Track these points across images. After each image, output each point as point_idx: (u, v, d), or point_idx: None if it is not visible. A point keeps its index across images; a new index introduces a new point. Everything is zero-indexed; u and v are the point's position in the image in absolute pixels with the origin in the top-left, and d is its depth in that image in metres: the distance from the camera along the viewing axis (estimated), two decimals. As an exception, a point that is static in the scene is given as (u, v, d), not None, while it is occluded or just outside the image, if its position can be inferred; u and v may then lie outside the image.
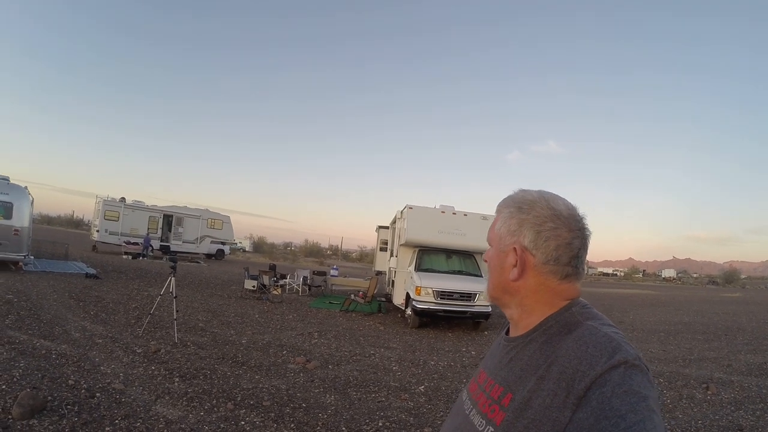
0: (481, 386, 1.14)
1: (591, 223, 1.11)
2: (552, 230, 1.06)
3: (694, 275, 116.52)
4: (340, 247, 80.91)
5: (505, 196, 1.20)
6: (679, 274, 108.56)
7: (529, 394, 0.96)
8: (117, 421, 4.61)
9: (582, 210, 1.12)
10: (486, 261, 1.21)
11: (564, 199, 1.13)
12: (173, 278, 8.79)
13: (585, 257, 1.10)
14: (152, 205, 33.40)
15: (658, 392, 1.41)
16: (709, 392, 7.45)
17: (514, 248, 1.09)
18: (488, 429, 1.01)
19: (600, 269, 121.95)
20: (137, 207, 31.89)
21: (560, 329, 1.03)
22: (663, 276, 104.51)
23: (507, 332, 1.20)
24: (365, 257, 63.96)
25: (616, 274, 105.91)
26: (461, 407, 1.18)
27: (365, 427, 5.17)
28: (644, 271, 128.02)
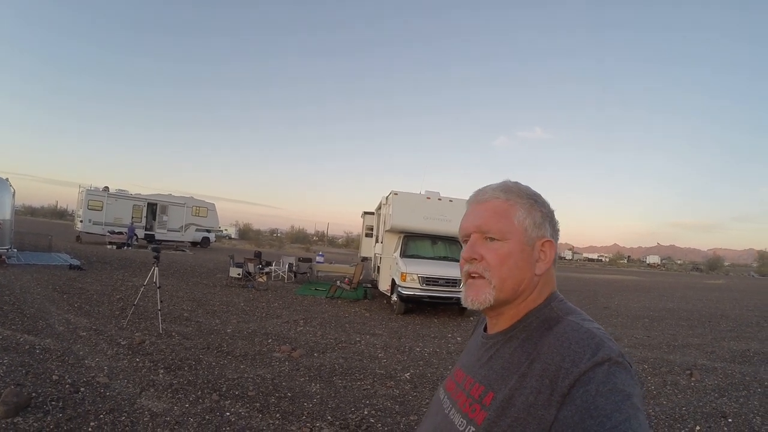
0: (459, 385, 1.13)
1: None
2: (557, 223, 1.13)
3: (678, 262, 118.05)
4: (326, 233, 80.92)
5: (509, 185, 1.14)
6: (664, 261, 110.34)
7: (511, 392, 0.95)
8: (102, 416, 4.62)
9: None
10: (474, 258, 1.09)
11: None
12: (156, 268, 8.74)
13: None
14: (136, 194, 33.17)
15: (642, 389, 1.45)
16: (692, 379, 7.55)
17: (547, 242, 1.10)
18: (469, 428, 1.00)
19: (585, 255, 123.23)
20: (121, 196, 31.62)
21: (540, 325, 1.03)
22: (648, 262, 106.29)
23: (485, 329, 1.19)
24: (351, 243, 64.04)
25: (601, 260, 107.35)
26: (440, 406, 1.17)
27: (351, 415, 5.22)
28: (629, 257, 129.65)
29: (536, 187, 1.14)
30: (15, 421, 4.34)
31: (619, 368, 0.88)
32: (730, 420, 5.82)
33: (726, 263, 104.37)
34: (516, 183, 1.15)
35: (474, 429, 0.98)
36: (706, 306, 19.28)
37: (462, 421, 1.03)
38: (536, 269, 1.08)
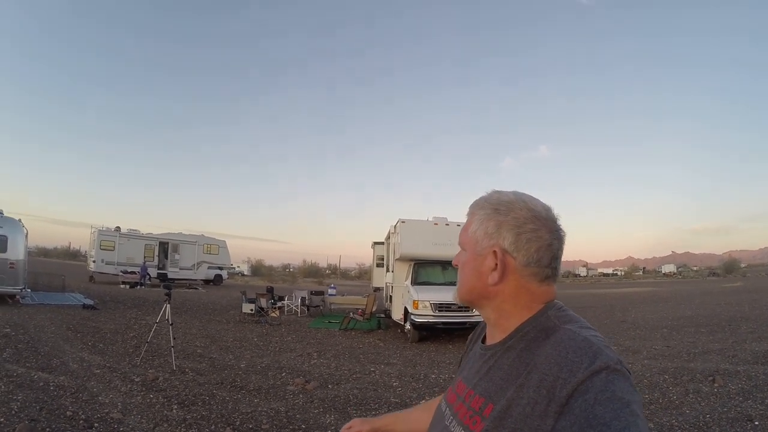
0: (460, 397, 1.12)
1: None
2: (533, 231, 1.04)
3: (694, 268, 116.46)
4: (338, 265, 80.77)
5: (477, 198, 1.17)
6: (679, 269, 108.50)
7: (509, 403, 0.94)
8: (115, 451, 4.59)
9: (556, 211, 1.11)
10: (456, 265, 1.19)
11: (539, 200, 1.12)
12: (168, 305, 8.77)
13: (562, 258, 1.09)
14: (147, 234, 33.50)
15: (641, 396, 1.41)
16: (715, 384, 7.38)
17: (494, 251, 1.06)
18: None
19: (600, 270, 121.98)
20: (132, 236, 31.94)
21: (537, 334, 1.01)
22: (663, 272, 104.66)
23: (483, 340, 1.19)
24: (364, 274, 63.83)
25: (616, 274, 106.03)
26: (440, 419, 1.17)
27: (365, 444, 5.14)
28: (644, 268, 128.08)
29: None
30: (29, 457, 4.32)
31: (617, 376, 0.87)
32: (756, 423, 5.67)
33: (743, 265, 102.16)
34: (493, 192, 1.15)
35: None
36: (725, 310, 18.87)
37: None
38: (490, 279, 1.06)
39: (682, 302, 24.40)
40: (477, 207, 1.14)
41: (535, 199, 1.11)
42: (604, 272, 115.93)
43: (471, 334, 1.38)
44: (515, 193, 1.12)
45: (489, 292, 1.08)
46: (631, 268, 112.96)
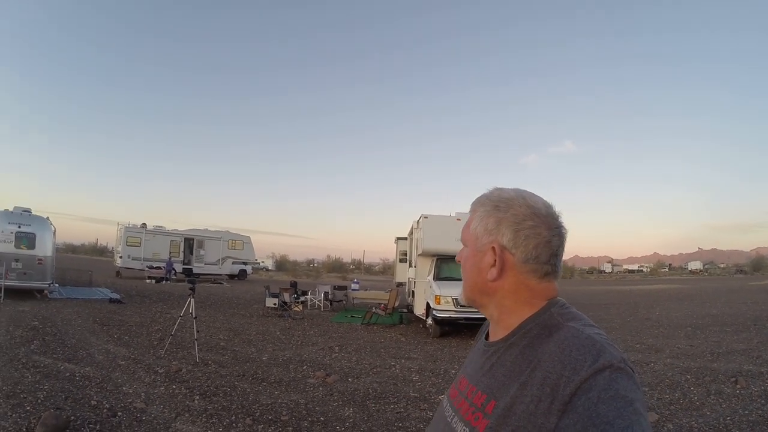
0: (462, 393, 1.12)
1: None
2: (531, 228, 1.05)
3: (721, 265, 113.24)
4: (362, 260, 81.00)
5: (483, 194, 1.17)
6: (706, 266, 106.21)
7: (512, 401, 0.94)
8: (137, 439, 4.68)
9: (558, 208, 1.11)
10: (459, 262, 1.19)
11: (540, 197, 1.12)
12: (192, 299, 8.90)
13: (562, 255, 1.09)
14: (173, 230, 34.00)
15: (644, 394, 1.40)
16: (738, 386, 7.23)
17: (493, 247, 1.07)
18: None
19: (625, 266, 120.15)
20: (158, 232, 32.43)
21: (540, 332, 1.01)
22: (689, 269, 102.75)
23: (486, 336, 1.19)
24: (388, 269, 63.92)
25: (641, 270, 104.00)
26: (442, 414, 1.17)
27: (383, 437, 5.17)
28: (670, 265, 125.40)
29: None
30: (53, 443, 4.43)
31: (620, 374, 0.87)
32: (778, 428, 5.54)
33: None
34: (494, 189, 1.16)
35: None
36: (751, 309, 18.43)
37: (464, 429, 1.03)
38: (488, 275, 1.07)
39: (707, 300, 23.93)
40: (478, 204, 1.15)
41: (536, 196, 1.12)
42: (630, 268, 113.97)
43: (478, 332, 1.37)
44: (516, 190, 1.13)
45: (489, 288, 1.09)
46: (657, 264, 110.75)
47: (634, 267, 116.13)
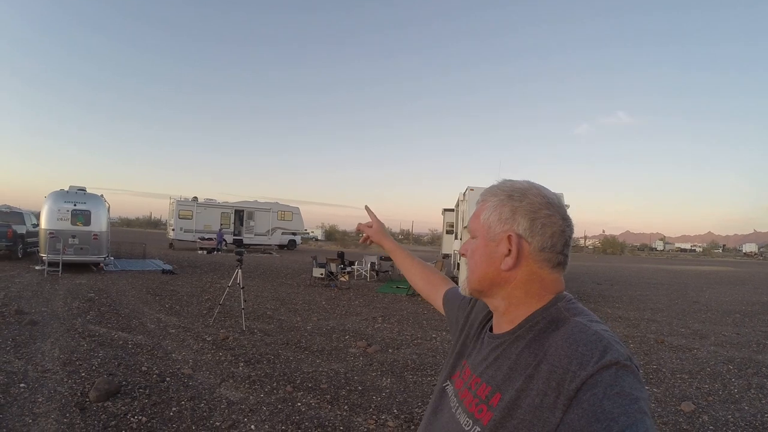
0: (466, 383, 1.12)
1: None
2: (547, 217, 1.05)
3: None
4: (411, 231, 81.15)
5: (494, 185, 1.16)
6: (761, 249, 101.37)
7: (518, 394, 0.94)
8: (183, 402, 4.92)
9: (566, 200, 1.09)
10: (463, 254, 1.19)
11: (549, 188, 1.12)
12: (240, 270, 9.15)
13: (571, 246, 1.10)
14: (224, 202, 34.87)
15: (648, 393, 1.38)
16: None
17: (509, 236, 1.06)
18: (475, 429, 1.00)
19: (677, 245, 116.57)
20: (209, 205, 33.31)
21: (547, 325, 1.01)
22: (744, 251, 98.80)
23: (491, 329, 1.18)
24: (436, 240, 63.87)
25: (694, 250, 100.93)
26: (447, 404, 1.17)
27: (417, 409, 5.24)
28: (724, 245, 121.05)
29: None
30: (105, 405, 4.73)
31: (626, 372, 0.87)
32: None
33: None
34: (503, 181, 1.16)
35: (479, 429, 0.98)
36: None
37: (468, 421, 1.03)
38: (503, 264, 1.06)
39: (760, 286, 23.10)
40: (489, 194, 1.15)
41: (545, 187, 1.12)
42: (682, 247, 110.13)
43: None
44: (528, 182, 1.13)
45: (501, 279, 1.08)
46: (711, 244, 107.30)
47: (687, 246, 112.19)
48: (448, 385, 1.22)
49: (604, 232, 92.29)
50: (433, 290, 1.69)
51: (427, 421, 1.22)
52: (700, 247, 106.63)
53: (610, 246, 77.57)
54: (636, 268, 36.13)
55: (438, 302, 1.64)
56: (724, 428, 5.17)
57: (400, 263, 1.86)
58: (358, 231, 1.99)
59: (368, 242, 1.99)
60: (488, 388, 1.02)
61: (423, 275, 1.79)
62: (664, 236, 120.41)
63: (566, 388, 0.87)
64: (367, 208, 2.09)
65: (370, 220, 1.97)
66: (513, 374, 0.98)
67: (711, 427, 5.17)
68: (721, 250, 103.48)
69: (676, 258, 69.45)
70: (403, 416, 5.03)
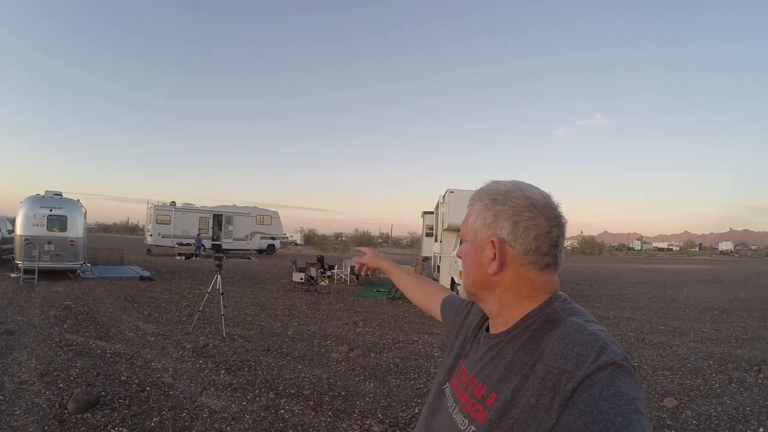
0: (463, 383, 1.12)
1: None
2: (530, 220, 1.04)
3: (753, 247, 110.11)
4: (390, 234, 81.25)
5: (481, 188, 1.16)
6: (737, 247, 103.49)
7: (513, 394, 0.94)
8: (164, 412, 4.87)
9: (556, 198, 1.09)
10: (460, 257, 1.19)
11: (538, 187, 1.11)
12: (219, 276, 9.08)
13: (563, 246, 1.08)
14: (202, 207, 34.54)
15: (644, 393, 1.40)
16: (760, 375, 7.08)
17: (492, 241, 1.06)
18: (470, 428, 1.00)
19: (655, 244, 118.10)
20: (187, 209, 32.98)
21: (543, 325, 1.01)
22: (720, 249, 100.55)
23: (487, 329, 1.18)
24: (415, 243, 64.00)
25: (671, 249, 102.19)
26: (444, 404, 1.17)
27: (401, 413, 5.25)
28: (700, 244, 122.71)
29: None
30: (84, 416, 4.66)
31: (622, 372, 0.87)
32: (800, 419, 5.41)
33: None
34: (492, 182, 1.15)
35: (475, 429, 0.98)
36: None
37: (464, 421, 1.03)
38: (489, 269, 1.06)
39: (736, 283, 23.55)
40: (476, 198, 1.15)
41: (533, 187, 1.11)
42: (659, 247, 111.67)
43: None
44: (514, 182, 1.12)
45: (490, 282, 1.08)
46: (687, 243, 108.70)
47: (664, 245, 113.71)
48: (446, 386, 1.21)
49: (582, 233, 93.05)
50: (431, 301, 1.69)
51: (424, 421, 1.22)
52: (677, 246, 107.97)
53: (589, 246, 78.29)
54: (614, 268, 36.56)
55: (436, 311, 1.64)
56: (707, 422, 5.27)
57: (397, 280, 1.87)
58: (359, 269, 1.97)
59: (370, 272, 1.98)
60: (484, 387, 1.02)
61: (420, 287, 1.80)
62: (642, 236, 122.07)
63: (562, 389, 0.87)
64: (356, 249, 2.15)
65: (363, 252, 1.97)
66: (509, 374, 0.98)
67: (694, 422, 5.27)
68: (697, 249, 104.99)
69: (653, 257, 70.35)
70: (387, 421, 5.03)
